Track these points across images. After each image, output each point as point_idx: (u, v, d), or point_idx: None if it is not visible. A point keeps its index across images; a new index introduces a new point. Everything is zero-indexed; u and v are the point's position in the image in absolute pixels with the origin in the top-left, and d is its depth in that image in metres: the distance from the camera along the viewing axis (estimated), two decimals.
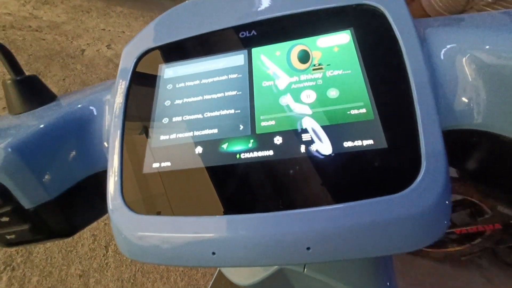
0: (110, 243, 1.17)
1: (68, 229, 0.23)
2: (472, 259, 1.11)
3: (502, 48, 0.15)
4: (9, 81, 0.24)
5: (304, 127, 0.16)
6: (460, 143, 0.17)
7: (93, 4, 2.56)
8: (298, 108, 0.17)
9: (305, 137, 0.16)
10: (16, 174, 0.19)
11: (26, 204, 0.20)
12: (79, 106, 0.23)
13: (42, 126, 0.21)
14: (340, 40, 0.18)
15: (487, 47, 0.15)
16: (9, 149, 0.19)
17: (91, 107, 0.23)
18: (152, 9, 2.74)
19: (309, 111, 0.16)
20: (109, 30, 2.31)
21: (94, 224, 1.20)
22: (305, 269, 0.25)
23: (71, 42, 2.07)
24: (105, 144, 0.22)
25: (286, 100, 0.17)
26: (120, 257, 1.13)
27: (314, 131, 0.16)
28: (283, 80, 0.18)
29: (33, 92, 0.25)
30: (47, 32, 2.07)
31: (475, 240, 1.03)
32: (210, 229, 0.15)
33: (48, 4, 2.35)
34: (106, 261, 1.12)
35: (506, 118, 0.15)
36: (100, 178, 0.22)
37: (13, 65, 0.24)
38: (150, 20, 0.24)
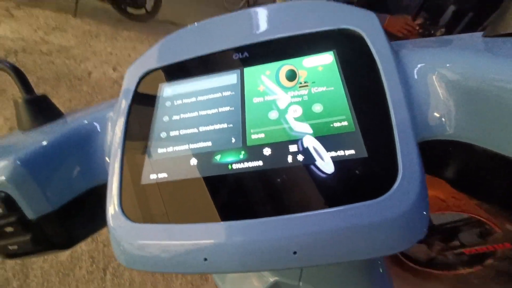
0: (109, 266, 1.14)
1: (67, 241, 0.23)
2: (485, 283, 1.05)
3: (463, 66, 0.16)
4: (20, 100, 0.26)
5: (291, 139, 0.17)
6: (440, 153, 0.18)
7: (102, 29, 2.69)
8: (286, 122, 0.18)
9: (292, 148, 0.17)
10: (22, 186, 0.20)
11: (30, 214, 0.21)
12: (84, 122, 0.25)
13: (48, 141, 0.22)
14: (324, 60, 0.20)
15: (448, 65, 0.17)
16: (18, 162, 0.20)
17: (95, 123, 0.25)
18: (158, 33, 2.86)
19: (296, 125, 0.18)
20: (116, 53, 2.41)
21: (93, 246, 1.18)
22: (300, 283, 0.25)
23: (79, 65, 2.15)
24: (107, 158, 0.24)
25: (275, 114, 0.19)
26: (118, 281, 1.10)
27: (300, 142, 0.17)
28: (272, 97, 0.20)
29: (42, 110, 0.27)
30: (57, 55, 2.16)
31: (486, 261, 0.99)
32: (202, 235, 0.16)
33: (59, 29, 2.48)
34: (103, 284, 1.08)
35: (475, 128, 0.16)
36: (100, 191, 0.23)
37: (25, 85, 0.26)
38: (154, 43, 0.26)
